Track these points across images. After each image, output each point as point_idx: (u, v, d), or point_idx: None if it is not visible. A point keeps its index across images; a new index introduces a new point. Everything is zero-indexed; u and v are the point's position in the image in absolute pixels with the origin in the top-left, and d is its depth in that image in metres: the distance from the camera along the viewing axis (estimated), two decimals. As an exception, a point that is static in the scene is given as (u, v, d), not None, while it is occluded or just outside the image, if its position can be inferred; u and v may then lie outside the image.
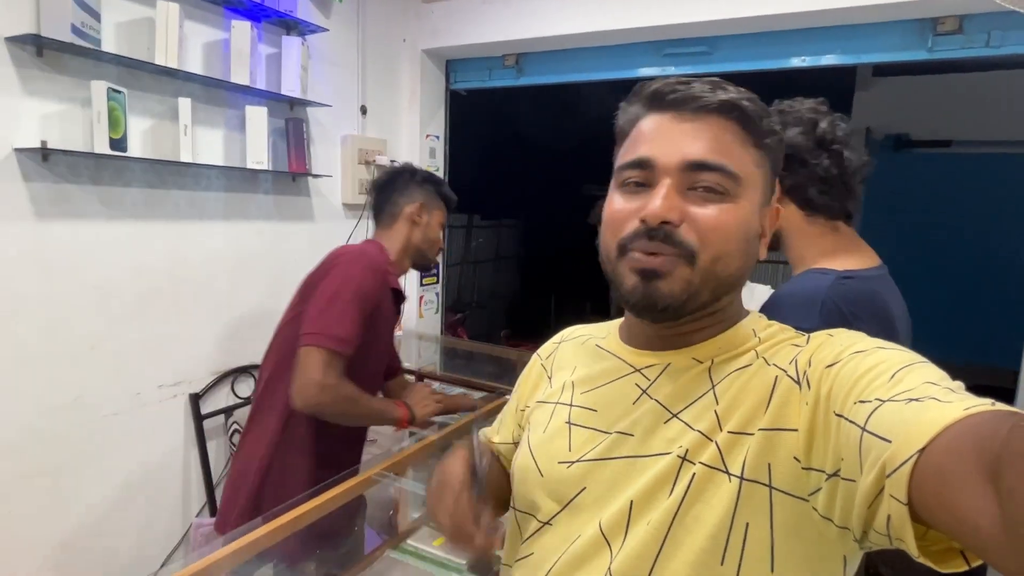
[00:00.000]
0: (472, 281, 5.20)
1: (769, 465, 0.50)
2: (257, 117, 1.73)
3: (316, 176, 2.01)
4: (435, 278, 2.57)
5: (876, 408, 0.41)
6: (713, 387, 0.56)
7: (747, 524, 0.50)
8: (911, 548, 0.38)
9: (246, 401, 1.88)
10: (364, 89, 2.22)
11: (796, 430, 0.49)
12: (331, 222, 2.16)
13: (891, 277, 0.92)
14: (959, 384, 0.43)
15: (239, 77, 1.67)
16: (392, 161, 2.31)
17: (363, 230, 2.25)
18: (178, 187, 1.65)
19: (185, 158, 1.56)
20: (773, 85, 1.47)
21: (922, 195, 3.72)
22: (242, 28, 1.65)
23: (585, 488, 0.59)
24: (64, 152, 1.35)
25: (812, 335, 0.56)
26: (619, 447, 0.58)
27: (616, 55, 2.10)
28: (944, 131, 3.68)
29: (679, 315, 0.56)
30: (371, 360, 1.39)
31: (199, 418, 1.74)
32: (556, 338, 0.77)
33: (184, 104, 1.54)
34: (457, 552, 0.73)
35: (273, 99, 1.83)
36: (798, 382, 0.51)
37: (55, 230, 1.39)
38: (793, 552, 0.50)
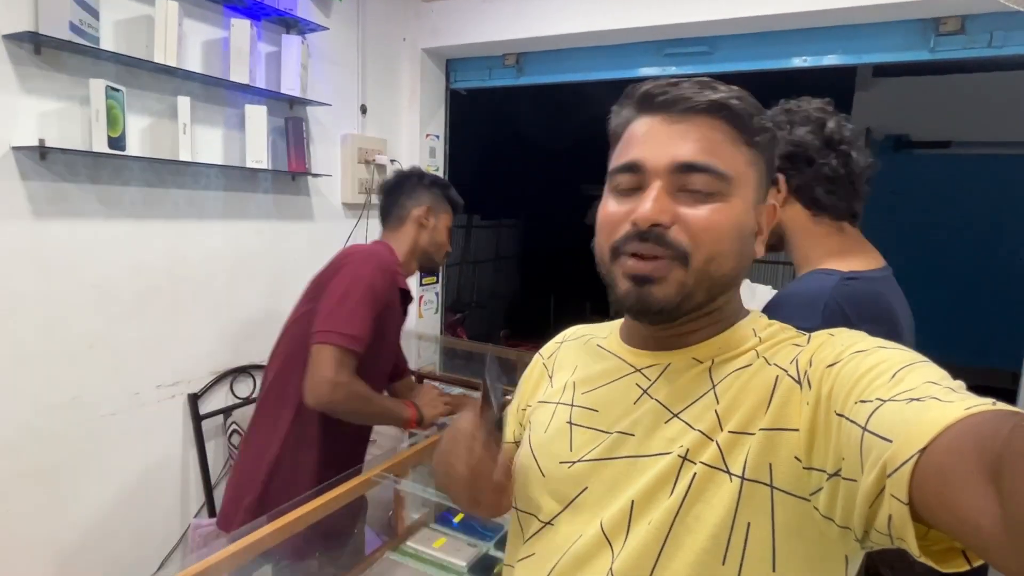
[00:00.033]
0: (472, 281, 5.20)
1: (770, 465, 0.50)
2: (256, 116, 1.72)
3: (316, 175, 2.00)
4: (435, 278, 2.56)
5: (877, 408, 0.41)
6: (714, 387, 0.56)
7: (748, 524, 0.50)
8: (912, 548, 0.38)
9: (245, 401, 1.87)
10: (364, 88, 2.21)
11: (797, 430, 0.49)
12: (331, 221, 2.15)
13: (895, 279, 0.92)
14: (960, 383, 0.43)
15: (238, 76, 1.66)
16: (392, 161, 2.31)
17: (363, 230, 2.24)
18: (177, 186, 1.64)
19: (184, 157, 1.55)
20: (773, 85, 1.46)
21: (921, 196, 3.72)
22: (242, 26, 1.65)
23: (587, 488, 0.59)
24: (62, 151, 1.34)
25: (813, 335, 0.56)
26: (620, 447, 0.58)
27: (617, 55, 2.10)
28: (944, 132, 3.69)
29: (675, 317, 0.57)
30: (380, 360, 1.39)
31: (198, 418, 1.74)
32: (558, 337, 0.77)
33: (183, 103, 1.54)
34: (467, 500, 0.72)
35: (273, 98, 1.83)
36: (799, 382, 0.51)
37: (53, 229, 1.39)
38: (794, 552, 0.50)
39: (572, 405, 0.65)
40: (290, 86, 1.81)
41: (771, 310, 0.81)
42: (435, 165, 2.51)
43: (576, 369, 0.69)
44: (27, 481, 1.39)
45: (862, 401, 0.43)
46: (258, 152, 1.73)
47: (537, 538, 0.63)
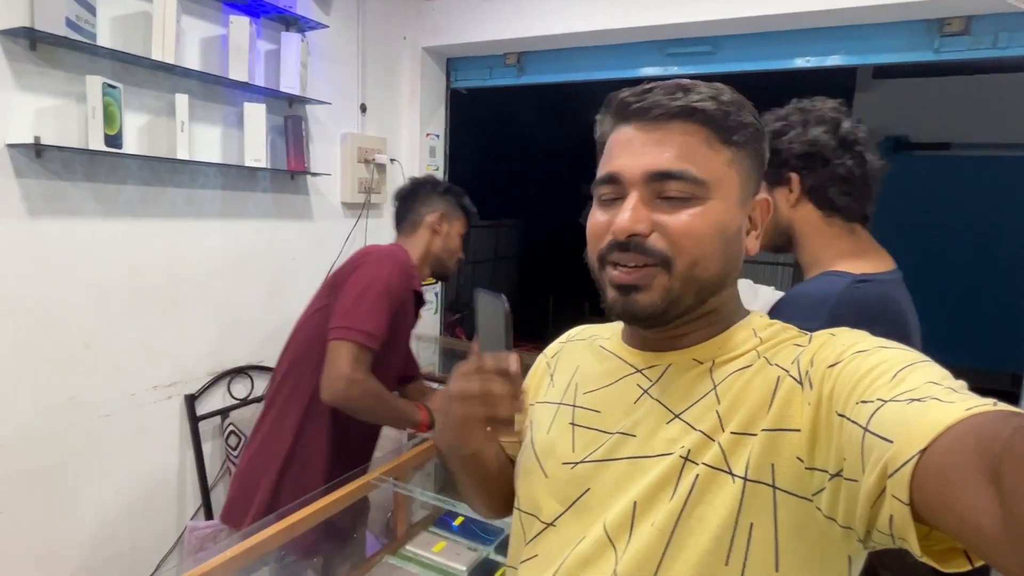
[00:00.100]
0: (471, 281, 5.19)
1: (772, 465, 0.50)
2: (255, 114, 1.71)
3: (315, 174, 1.99)
4: (434, 278, 2.55)
5: (878, 408, 0.42)
6: (715, 387, 0.56)
7: (751, 525, 0.50)
8: (914, 548, 0.39)
9: (242, 402, 1.85)
10: (364, 87, 2.20)
11: (799, 430, 0.49)
12: (330, 221, 2.13)
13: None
14: (962, 383, 0.43)
15: (237, 73, 1.65)
16: (392, 160, 2.29)
17: (362, 229, 2.23)
18: (174, 185, 1.63)
19: (182, 155, 1.53)
20: (774, 85, 1.46)
21: (921, 197, 3.72)
22: (241, 23, 1.63)
23: (589, 489, 0.60)
24: (58, 148, 1.32)
25: (814, 335, 0.56)
26: (622, 448, 0.59)
27: (618, 55, 2.09)
28: (943, 133, 3.69)
29: (666, 321, 0.58)
30: (390, 360, 1.40)
31: (194, 419, 1.72)
32: (563, 337, 0.78)
33: (181, 100, 1.52)
34: (478, 478, 0.70)
35: (272, 96, 1.81)
36: (800, 382, 0.51)
37: (49, 228, 1.37)
38: (797, 552, 0.50)
39: (574, 406, 0.65)
40: (289, 84, 1.80)
41: (779, 310, 0.80)
42: (435, 165, 2.50)
43: (578, 369, 0.69)
44: (22, 482, 1.37)
45: (863, 401, 0.43)
46: (257, 151, 1.72)
47: (539, 539, 0.63)
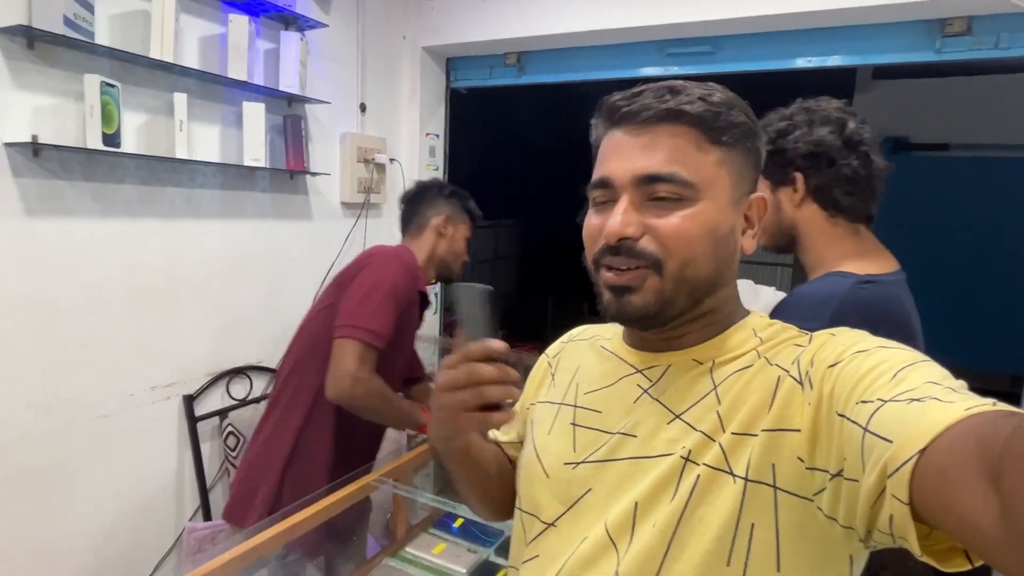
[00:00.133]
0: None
1: (773, 466, 0.50)
2: (254, 113, 1.70)
3: (314, 174, 1.98)
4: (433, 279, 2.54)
5: (878, 408, 0.42)
6: (715, 388, 0.56)
7: (752, 525, 0.50)
8: (914, 548, 0.39)
9: (241, 403, 1.85)
10: (363, 86, 2.19)
11: (799, 430, 0.50)
12: (329, 221, 2.13)
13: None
14: (961, 383, 0.43)
15: (236, 72, 1.64)
16: (392, 160, 2.29)
17: (361, 229, 2.22)
18: (173, 184, 1.62)
19: (180, 154, 1.53)
20: (773, 86, 1.45)
21: (920, 198, 3.72)
22: (240, 22, 1.63)
23: (590, 490, 0.60)
24: (56, 147, 1.31)
25: (814, 334, 0.56)
26: (622, 448, 0.59)
27: (619, 54, 2.08)
28: (943, 134, 3.69)
29: (661, 322, 0.58)
30: (395, 360, 1.41)
31: (193, 420, 1.71)
32: (565, 337, 0.78)
33: (180, 99, 1.51)
34: (472, 472, 0.69)
35: (271, 95, 1.81)
36: (800, 382, 0.51)
37: (46, 227, 1.36)
38: (799, 552, 0.50)
39: (575, 406, 0.65)
40: (289, 83, 1.79)
41: (782, 310, 0.80)
42: (434, 164, 2.49)
43: (579, 369, 0.69)
44: (19, 483, 1.36)
45: (863, 401, 0.44)
46: (256, 150, 1.71)
47: (540, 540, 0.63)
